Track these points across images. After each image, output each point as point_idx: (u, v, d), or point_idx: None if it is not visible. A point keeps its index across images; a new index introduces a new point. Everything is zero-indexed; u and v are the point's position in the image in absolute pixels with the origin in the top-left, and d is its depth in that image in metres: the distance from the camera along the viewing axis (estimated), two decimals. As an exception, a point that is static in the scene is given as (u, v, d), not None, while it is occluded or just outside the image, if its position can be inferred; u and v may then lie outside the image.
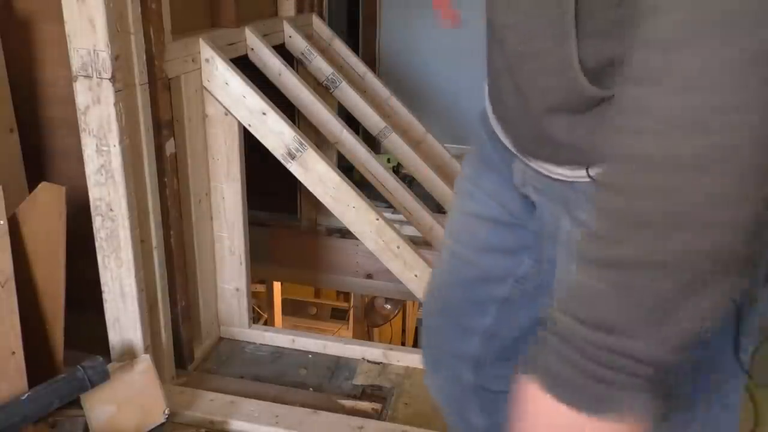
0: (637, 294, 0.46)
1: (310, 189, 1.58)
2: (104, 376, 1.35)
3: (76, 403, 1.37)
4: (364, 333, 4.13)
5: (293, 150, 1.54)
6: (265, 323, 4.05)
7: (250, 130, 1.57)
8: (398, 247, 1.58)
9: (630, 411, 0.47)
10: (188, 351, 1.71)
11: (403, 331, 4.39)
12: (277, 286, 4.18)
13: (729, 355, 0.62)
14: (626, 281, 0.46)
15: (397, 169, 2.69)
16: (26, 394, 1.30)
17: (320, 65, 2.03)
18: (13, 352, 1.33)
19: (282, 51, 1.92)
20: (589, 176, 0.63)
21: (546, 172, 0.70)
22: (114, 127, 1.28)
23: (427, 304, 0.99)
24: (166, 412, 1.30)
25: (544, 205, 0.74)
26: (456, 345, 0.94)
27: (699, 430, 0.68)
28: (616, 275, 0.47)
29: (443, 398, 1.02)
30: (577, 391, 0.48)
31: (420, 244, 1.91)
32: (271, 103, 1.56)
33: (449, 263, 0.93)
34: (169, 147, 1.49)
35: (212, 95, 1.59)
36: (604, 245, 0.48)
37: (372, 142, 2.32)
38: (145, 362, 1.41)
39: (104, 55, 1.22)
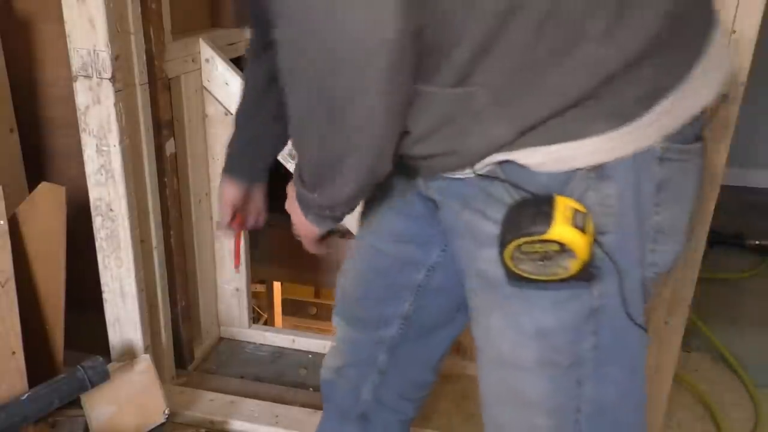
0: (309, 167, 0.76)
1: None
2: (104, 376, 1.35)
3: (76, 403, 1.37)
4: (364, 333, 4.12)
5: (293, 150, 1.54)
6: (265, 323, 4.04)
7: (250, 130, 1.57)
8: (398, 247, 1.58)
9: (308, 220, 0.85)
10: (188, 351, 1.71)
11: (403, 331, 4.38)
12: (277, 286, 4.18)
13: (619, 309, 0.70)
14: (301, 161, 0.77)
15: (397, 169, 2.68)
16: (26, 394, 1.30)
17: (320, 65, 2.03)
18: (13, 352, 1.33)
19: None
20: (474, 173, 0.71)
21: (446, 174, 0.76)
22: (114, 127, 1.28)
23: (343, 290, 1.04)
24: (166, 412, 1.30)
25: (446, 203, 0.80)
26: (375, 330, 1.00)
27: (593, 386, 0.74)
28: (298, 155, 0.77)
29: (344, 379, 1.06)
30: (305, 209, 0.84)
31: (420, 244, 1.91)
32: (271, 103, 1.56)
33: (367, 253, 0.99)
34: (169, 147, 1.49)
35: (212, 95, 1.59)
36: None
37: (372, 142, 2.32)
38: (145, 362, 1.41)
39: (104, 55, 1.23)
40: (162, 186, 1.48)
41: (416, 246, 0.93)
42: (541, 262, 0.66)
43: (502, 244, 0.67)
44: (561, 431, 0.77)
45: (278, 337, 1.87)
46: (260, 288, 4.07)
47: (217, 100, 1.59)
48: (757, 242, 2.58)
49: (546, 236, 0.63)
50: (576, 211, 0.64)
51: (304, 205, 0.83)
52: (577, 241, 0.63)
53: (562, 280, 0.67)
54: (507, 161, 0.67)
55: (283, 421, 1.49)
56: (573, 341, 0.72)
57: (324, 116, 0.65)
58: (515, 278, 0.69)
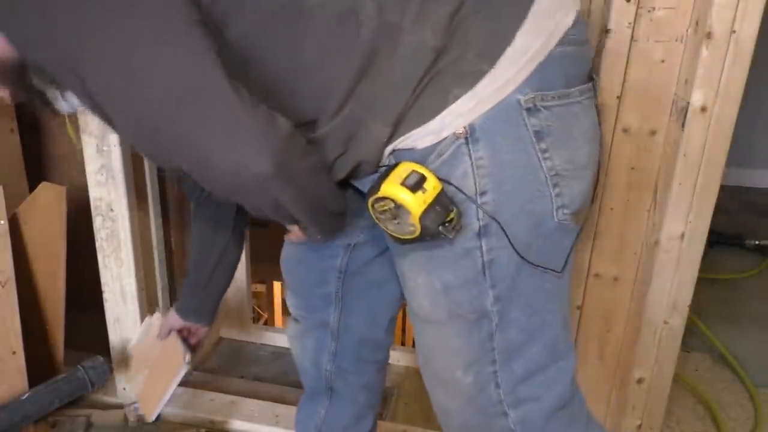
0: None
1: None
2: (104, 376, 1.35)
3: (76, 403, 1.37)
4: (364, 333, 4.12)
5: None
6: (265, 323, 4.04)
7: (250, 130, 1.57)
8: (398, 247, 1.58)
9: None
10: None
11: (403, 331, 4.39)
12: (277, 286, 4.18)
13: (512, 258, 0.75)
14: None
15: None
16: (26, 394, 1.30)
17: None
18: (14, 352, 1.33)
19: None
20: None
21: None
22: (114, 127, 1.28)
23: (286, 262, 1.12)
24: (188, 358, 1.28)
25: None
26: (318, 288, 1.07)
27: (500, 336, 0.79)
28: None
29: (306, 346, 1.14)
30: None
31: (420, 244, 1.91)
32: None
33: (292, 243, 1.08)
34: (169, 147, 1.49)
35: (212, 95, 1.59)
36: None
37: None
38: (157, 320, 1.41)
39: (104, 56, 1.23)
40: (162, 186, 1.48)
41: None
42: (395, 221, 0.73)
43: (366, 205, 0.74)
44: (480, 386, 0.82)
45: (278, 337, 1.87)
46: (260, 288, 4.07)
47: (217, 100, 1.59)
48: (756, 242, 2.58)
49: (378, 194, 0.71)
50: (413, 172, 0.71)
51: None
52: (404, 197, 0.69)
53: (420, 238, 0.72)
54: (395, 150, 0.75)
55: (283, 421, 1.49)
56: (474, 296, 0.77)
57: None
58: (392, 238, 0.75)
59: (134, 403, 1.49)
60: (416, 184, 0.70)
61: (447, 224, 0.71)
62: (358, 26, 0.68)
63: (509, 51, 0.69)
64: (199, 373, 1.72)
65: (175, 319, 1.28)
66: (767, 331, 2.03)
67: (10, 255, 1.29)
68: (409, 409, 1.59)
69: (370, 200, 0.73)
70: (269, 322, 4.24)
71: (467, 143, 0.71)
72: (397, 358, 1.77)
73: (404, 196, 0.70)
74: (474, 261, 0.76)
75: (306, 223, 0.75)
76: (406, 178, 0.70)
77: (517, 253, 0.75)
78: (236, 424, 1.49)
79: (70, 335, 1.48)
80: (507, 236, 0.74)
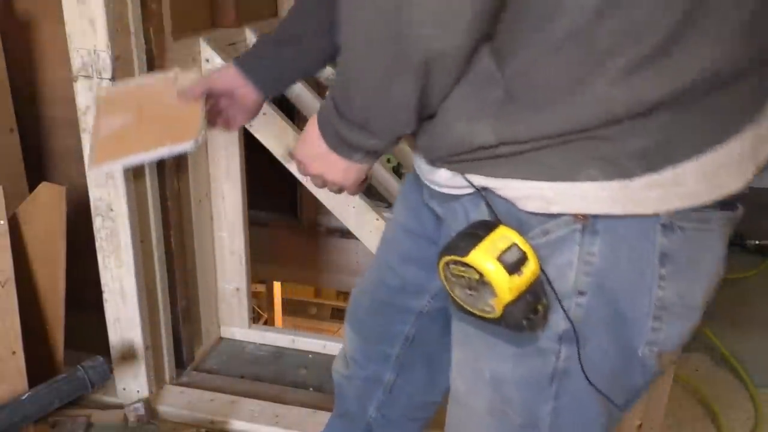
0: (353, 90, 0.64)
1: (311, 189, 1.58)
2: (104, 376, 1.35)
3: (76, 403, 1.37)
4: (364, 333, 4.12)
5: (293, 150, 1.54)
6: (265, 323, 4.05)
7: (250, 130, 1.57)
8: (398, 247, 1.58)
9: (356, 160, 0.72)
10: (188, 351, 1.71)
11: (403, 331, 4.39)
12: (277, 286, 4.18)
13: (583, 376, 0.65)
14: (345, 79, 0.65)
15: (397, 169, 2.68)
16: (26, 394, 1.30)
17: (320, 65, 2.03)
18: (14, 352, 1.33)
19: (282, 51, 1.92)
20: (469, 183, 0.66)
21: (437, 188, 0.73)
22: (114, 127, 1.28)
23: (357, 298, 1.02)
24: (199, 139, 0.95)
25: (444, 222, 0.76)
26: (382, 345, 0.98)
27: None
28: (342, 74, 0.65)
29: (350, 386, 1.05)
30: (333, 141, 0.71)
31: (420, 244, 1.91)
32: (271, 102, 1.56)
33: (379, 267, 0.98)
34: (169, 147, 1.49)
35: (212, 95, 1.58)
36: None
37: (372, 142, 2.31)
38: (183, 75, 1.05)
39: (104, 56, 1.23)
40: (162, 186, 1.48)
41: (423, 269, 0.89)
42: (469, 291, 0.62)
43: (437, 261, 0.64)
44: None
45: (278, 337, 1.87)
46: (260, 288, 4.08)
47: (217, 100, 1.59)
48: (757, 242, 2.58)
49: (464, 258, 0.59)
50: (514, 246, 0.59)
51: (336, 140, 0.72)
52: (495, 275, 0.58)
53: (494, 321, 0.61)
54: (487, 189, 0.64)
55: (283, 421, 1.49)
56: (530, 400, 0.68)
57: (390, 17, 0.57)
58: (455, 304, 0.65)
59: (134, 403, 1.49)
60: (515, 265, 0.59)
61: (533, 317, 0.60)
62: None
63: (676, 170, 0.58)
64: (199, 373, 1.72)
65: (227, 77, 0.94)
66: (767, 331, 2.03)
67: (9, 255, 1.29)
68: (409, 409, 1.59)
69: (447, 258, 0.62)
70: (269, 322, 4.25)
71: (583, 232, 0.60)
72: (397, 358, 1.77)
73: (499, 276, 0.58)
74: (545, 364, 0.65)
75: (360, 112, 0.65)
76: (504, 251, 0.58)
77: (584, 372, 0.64)
78: (236, 424, 1.49)
79: (70, 335, 1.48)
80: (578, 350, 0.63)
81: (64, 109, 1.47)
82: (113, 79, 1.24)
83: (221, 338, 1.88)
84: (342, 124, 0.68)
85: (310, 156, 0.76)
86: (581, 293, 0.62)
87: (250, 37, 1.74)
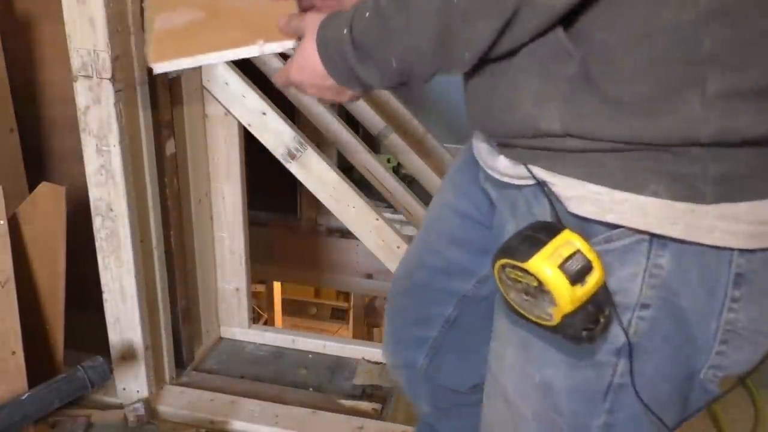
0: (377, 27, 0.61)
1: (310, 189, 1.58)
2: (104, 376, 1.35)
3: (76, 403, 1.37)
4: (364, 333, 4.13)
5: (293, 150, 1.54)
6: (265, 323, 4.05)
7: (250, 130, 1.57)
8: (398, 247, 1.58)
9: (352, 86, 0.70)
10: (188, 351, 1.71)
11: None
12: (277, 286, 4.19)
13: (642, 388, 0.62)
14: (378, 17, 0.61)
15: (397, 169, 2.69)
16: (26, 394, 1.30)
17: (320, 65, 2.02)
18: (13, 352, 1.33)
19: (282, 51, 1.92)
20: (531, 175, 0.63)
21: (497, 176, 0.70)
22: (114, 127, 1.28)
23: (395, 283, 0.99)
24: (292, 43, 0.81)
25: (498, 208, 0.74)
26: (417, 328, 0.95)
27: None
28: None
29: (402, 378, 1.03)
30: (344, 77, 0.69)
31: (420, 244, 1.91)
32: (271, 102, 1.56)
33: (421, 248, 0.95)
34: (169, 147, 1.49)
35: (212, 95, 1.59)
36: None
37: (372, 142, 2.32)
38: None
39: (104, 55, 1.22)
40: (162, 186, 1.48)
41: (470, 253, 0.86)
42: (525, 297, 0.59)
43: (492, 261, 0.61)
44: None
45: (278, 337, 1.87)
46: (260, 288, 4.08)
47: (217, 100, 1.59)
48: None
49: (523, 264, 0.56)
50: (578, 253, 0.55)
51: (349, 76, 0.68)
52: (557, 284, 0.54)
53: (550, 329, 0.59)
54: (547, 183, 0.60)
55: (283, 421, 1.49)
56: (581, 412, 0.65)
57: None
58: (509, 307, 0.62)
59: (134, 403, 1.49)
60: (578, 274, 0.55)
61: (592, 329, 0.57)
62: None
63: (752, 205, 0.54)
64: (199, 373, 1.72)
65: None
66: (767, 331, 2.03)
67: (9, 255, 1.29)
68: (409, 409, 1.59)
69: (504, 261, 0.58)
70: (269, 322, 4.26)
71: (651, 243, 0.57)
72: (397, 358, 1.77)
73: (561, 286, 0.55)
74: (600, 377, 0.62)
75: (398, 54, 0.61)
76: (567, 259, 0.55)
77: (634, 388, 0.61)
78: (236, 424, 1.49)
79: (70, 335, 1.48)
80: (631, 365, 0.60)
81: (64, 109, 1.47)
82: (113, 79, 1.24)
83: (221, 338, 1.88)
84: (362, 66, 0.65)
85: (308, 84, 0.74)
86: (645, 306, 0.59)
87: (250, 37, 1.74)
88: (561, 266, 0.55)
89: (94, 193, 1.35)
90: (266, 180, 2.01)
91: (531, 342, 0.65)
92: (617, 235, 0.57)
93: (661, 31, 0.51)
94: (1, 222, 1.27)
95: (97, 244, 1.39)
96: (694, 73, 0.52)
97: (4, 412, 1.27)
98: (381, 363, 1.76)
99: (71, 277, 1.44)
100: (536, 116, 0.58)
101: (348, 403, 1.60)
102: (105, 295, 1.44)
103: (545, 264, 0.55)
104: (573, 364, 0.63)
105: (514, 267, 0.58)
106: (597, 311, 0.56)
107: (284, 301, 4.35)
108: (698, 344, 0.60)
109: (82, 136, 1.30)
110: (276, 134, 1.55)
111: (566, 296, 0.55)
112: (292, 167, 1.56)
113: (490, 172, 0.72)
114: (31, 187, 1.47)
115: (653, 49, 0.52)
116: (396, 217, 2.21)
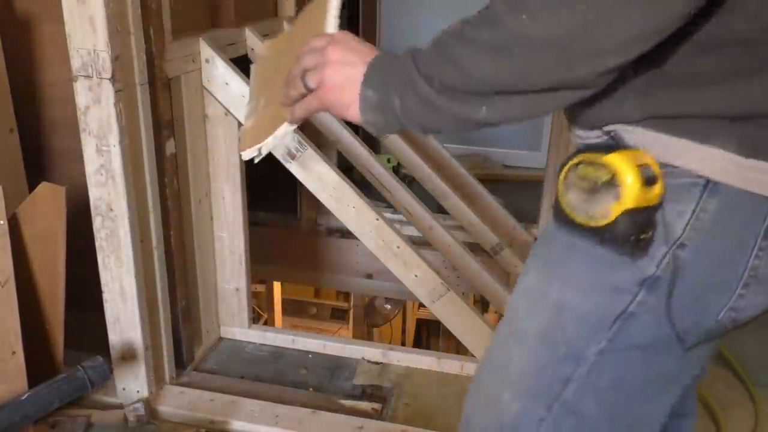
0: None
1: (310, 189, 1.58)
2: (104, 376, 1.35)
3: (76, 403, 1.37)
4: (364, 333, 4.13)
5: (293, 150, 1.54)
6: (265, 323, 4.05)
7: (250, 130, 1.57)
8: (398, 247, 1.58)
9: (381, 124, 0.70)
10: (188, 351, 1.71)
11: (403, 331, 4.39)
12: (277, 286, 4.19)
13: (650, 328, 0.66)
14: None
15: (397, 169, 2.69)
16: (26, 394, 1.30)
17: (320, 65, 2.02)
18: (13, 352, 1.33)
19: (282, 51, 1.92)
20: (604, 132, 0.66)
21: (581, 141, 0.71)
22: (114, 127, 1.28)
23: None
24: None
25: None
26: None
27: (576, 390, 0.69)
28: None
29: None
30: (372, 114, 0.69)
31: (420, 244, 1.91)
32: (271, 103, 1.56)
33: None
34: (169, 147, 1.49)
35: (212, 95, 1.59)
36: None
37: (372, 142, 2.32)
38: None
39: (104, 55, 1.23)
40: (162, 186, 1.48)
41: None
42: (584, 197, 0.63)
43: (564, 163, 0.65)
44: (522, 419, 0.72)
45: (278, 337, 1.87)
46: (260, 288, 4.08)
47: (217, 100, 1.59)
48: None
49: (604, 158, 0.60)
50: (650, 167, 0.60)
51: (381, 112, 0.68)
52: (631, 178, 0.59)
53: (595, 230, 0.62)
54: (616, 134, 0.65)
55: (283, 421, 1.49)
56: (584, 335, 0.68)
57: None
58: (560, 212, 0.66)
59: (134, 403, 1.49)
60: (648, 179, 0.60)
61: (639, 239, 0.61)
62: None
63: None
64: (199, 373, 1.72)
65: None
66: (767, 331, 2.03)
67: (9, 255, 1.29)
68: (409, 409, 1.59)
69: (579, 158, 0.63)
70: (269, 322, 4.25)
71: (704, 189, 0.61)
72: (397, 358, 1.77)
73: (634, 179, 0.59)
74: (614, 303, 0.65)
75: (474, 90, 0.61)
76: (641, 166, 0.60)
77: (671, 314, 0.65)
78: (236, 424, 1.49)
79: (70, 335, 1.48)
80: (669, 295, 0.64)
81: (64, 109, 1.47)
82: (113, 79, 1.24)
83: (221, 338, 1.89)
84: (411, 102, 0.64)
85: (326, 84, 0.71)
86: (682, 246, 0.62)
87: (250, 37, 1.74)
88: (636, 164, 0.60)
89: (94, 193, 1.35)
90: (266, 180, 2.01)
91: (560, 263, 0.69)
92: (677, 173, 0.62)
93: (726, 43, 0.58)
94: (1, 222, 1.27)
95: (97, 244, 1.39)
96: (758, 66, 0.58)
97: (4, 412, 1.27)
98: (381, 363, 1.77)
99: (71, 277, 1.44)
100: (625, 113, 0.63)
101: (348, 403, 1.61)
102: (105, 295, 1.44)
103: (625, 161, 0.60)
104: (594, 289, 0.66)
105: (590, 163, 0.62)
106: (647, 224, 0.61)
107: (284, 301, 4.35)
108: (724, 287, 0.64)
109: (82, 136, 1.30)
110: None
111: (635, 190, 0.59)
112: (292, 167, 1.56)
113: (576, 138, 0.74)
114: (31, 187, 1.47)
115: (721, 56, 0.59)
116: (396, 217, 2.21)
